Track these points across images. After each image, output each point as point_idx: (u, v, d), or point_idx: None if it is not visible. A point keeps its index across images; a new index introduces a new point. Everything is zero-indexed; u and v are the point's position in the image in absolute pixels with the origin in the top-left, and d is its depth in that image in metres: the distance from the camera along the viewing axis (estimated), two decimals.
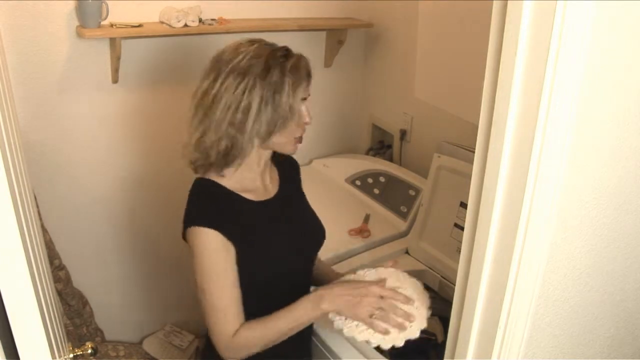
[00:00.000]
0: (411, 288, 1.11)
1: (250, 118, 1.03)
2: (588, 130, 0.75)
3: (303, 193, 1.34)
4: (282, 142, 1.11)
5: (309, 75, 1.11)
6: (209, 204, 1.10)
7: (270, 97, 1.03)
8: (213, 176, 1.13)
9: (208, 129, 1.05)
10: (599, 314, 0.98)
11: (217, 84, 1.03)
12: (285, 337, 1.06)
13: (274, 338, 1.06)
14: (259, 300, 1.09)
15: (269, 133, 1.06)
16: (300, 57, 1.09)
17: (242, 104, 1.02)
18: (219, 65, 1.05)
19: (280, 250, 1.15)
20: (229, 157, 1.07)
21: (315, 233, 1.27)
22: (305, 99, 1.11)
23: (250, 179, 1.15)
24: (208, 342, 1.21)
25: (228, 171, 1.12)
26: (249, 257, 1.08)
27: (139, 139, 1.94)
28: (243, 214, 1.12)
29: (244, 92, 1.02)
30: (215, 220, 1.06)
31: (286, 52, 1.08)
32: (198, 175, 1.15)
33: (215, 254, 1.05)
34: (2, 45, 1.42)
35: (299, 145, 1.15)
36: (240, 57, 1.03)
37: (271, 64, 1.03)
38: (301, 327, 1.06)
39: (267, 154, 1.16)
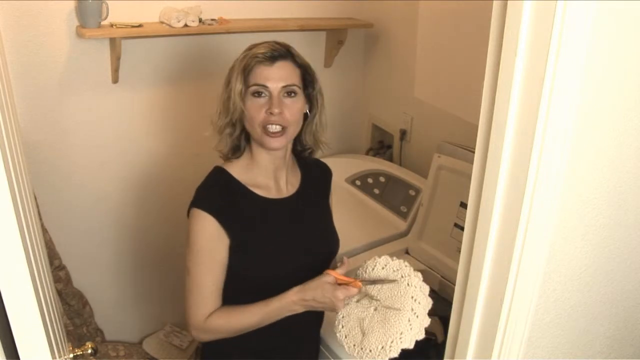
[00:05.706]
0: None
1: (216, 110, 1.14)
2: (588, 130, 0.75)
3: (326, 202, 1.32)
4: (251, 131, 1.11)
5: (270, 59, 1.07)
6: (215, 191, 1.13)
7: (225, 86, 1.12)
8: (229, 166, 1.17)
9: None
10: (599, 314, 0.98)
11: None
12: (254, 329, 1.10)
13: (243, 330, 1.10)
14: (249, 293, 1.11)
15: (230, 121, 1.11)
16: (259, 44, 1.10)
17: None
18: None
19: (273, 251, 1.14)
20: (224, 146, 1.16)
21: (320, 243, 1.24)
22: (260, 85, 1.07)
23: (261, 175, 1.17)
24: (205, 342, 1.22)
25: (240, 163, 1.16)
26: (241, 250, 1.10)
27: (139, 139, 1.94)
28: (247, 207, 1.14)
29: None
30: (216, 207, 1.08)
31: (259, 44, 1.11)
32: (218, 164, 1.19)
33: (207, 239, 1.08)
34: (2, 45, 1.42)
35: (279, 141, 1.09)
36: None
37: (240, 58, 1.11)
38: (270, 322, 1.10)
39: (277, 154, 1.15)
